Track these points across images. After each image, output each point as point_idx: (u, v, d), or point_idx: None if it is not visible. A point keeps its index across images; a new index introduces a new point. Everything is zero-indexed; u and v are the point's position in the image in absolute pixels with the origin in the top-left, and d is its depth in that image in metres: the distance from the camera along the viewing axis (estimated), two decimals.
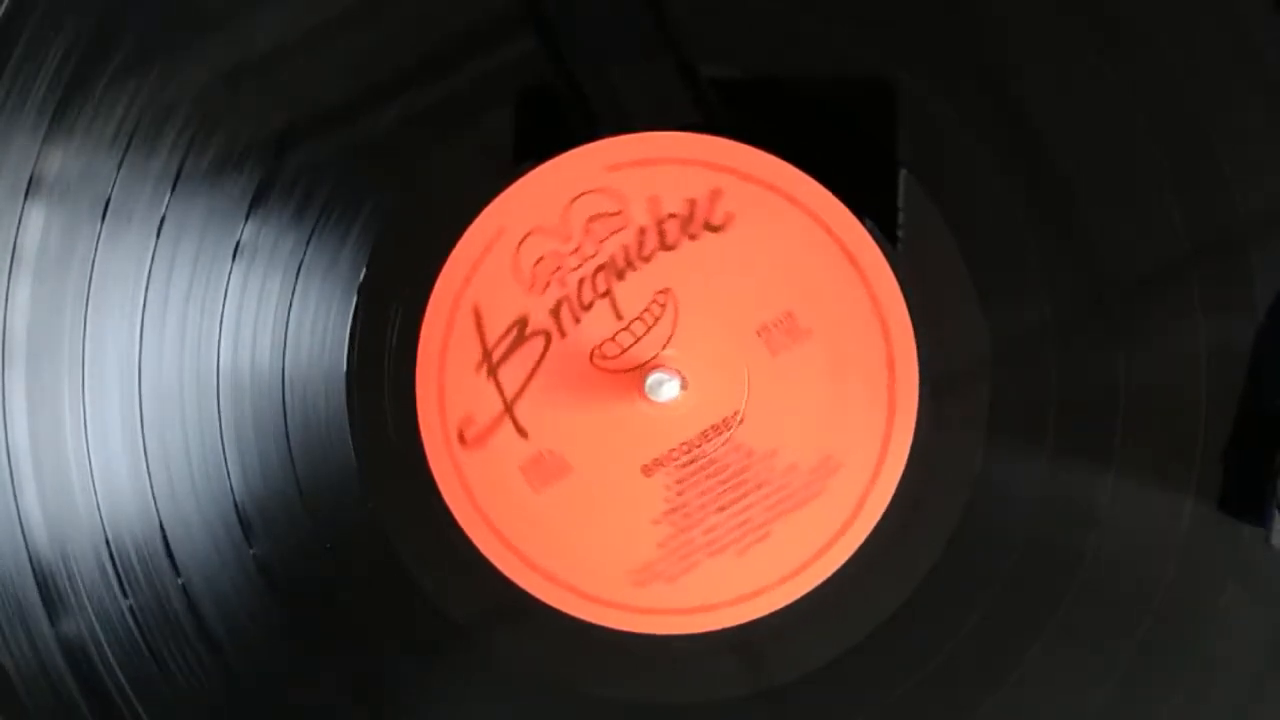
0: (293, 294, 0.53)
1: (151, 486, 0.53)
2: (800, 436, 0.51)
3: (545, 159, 0.52)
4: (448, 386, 0.52)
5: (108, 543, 0.53)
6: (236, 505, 0.53)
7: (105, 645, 0.53)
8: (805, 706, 0.52)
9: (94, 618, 0.53)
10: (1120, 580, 0.50)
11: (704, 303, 0.51)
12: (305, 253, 0.53)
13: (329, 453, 0.53)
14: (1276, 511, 0.48)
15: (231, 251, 0.53)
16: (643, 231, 0.51)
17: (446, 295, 0.52)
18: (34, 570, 0.53)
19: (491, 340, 0.52)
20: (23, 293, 0.52)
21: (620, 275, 0.52)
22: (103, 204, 0.52)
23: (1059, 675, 0.51)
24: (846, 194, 0.51)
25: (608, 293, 0.52)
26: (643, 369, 0.51)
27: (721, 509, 0.52)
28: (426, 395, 0.53)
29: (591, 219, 0.51)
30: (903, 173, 0.51)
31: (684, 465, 0.52)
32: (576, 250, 0.52)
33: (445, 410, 0.53)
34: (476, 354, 0.52)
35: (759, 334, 0.51)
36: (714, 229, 0.51)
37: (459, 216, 0.52)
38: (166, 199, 0.52)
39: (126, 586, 0.53)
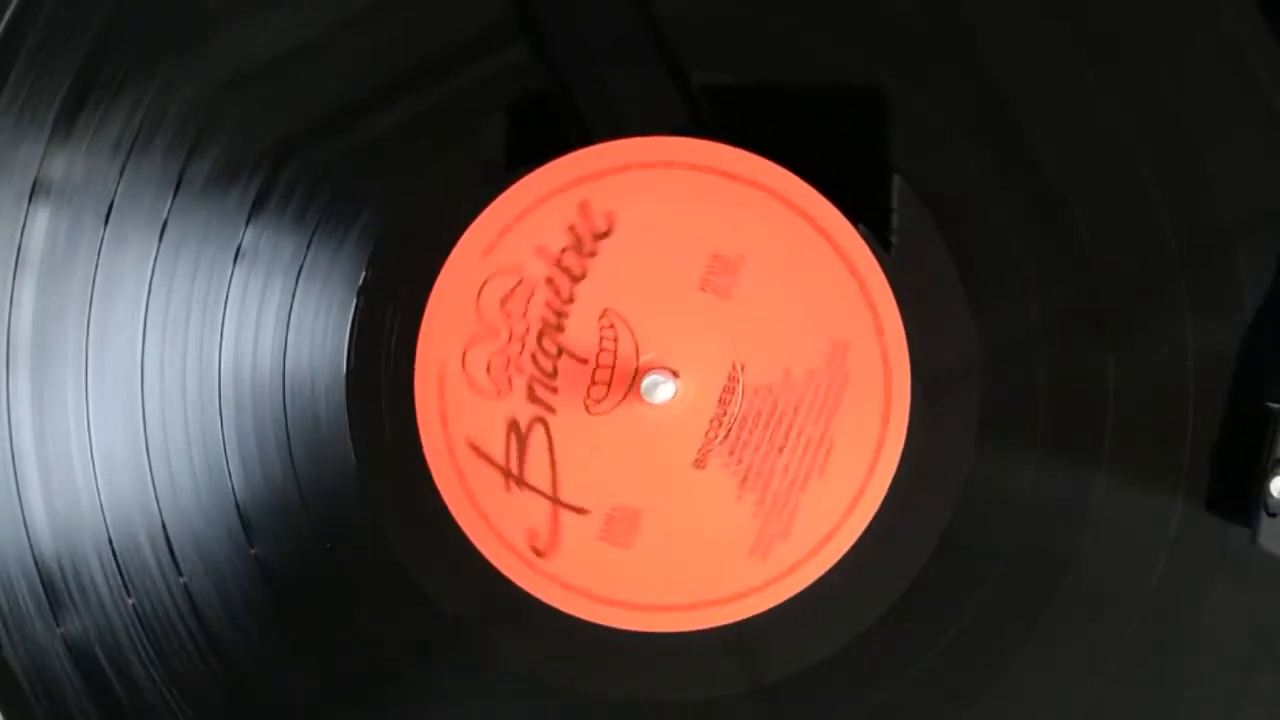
0: (293, 297, 0.53)
1: (154, 487, 0.53)
2: (800, 345, 0.52)
3: (540, 163, 0.52)
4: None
5: (111, 542, 0.53)
6: (238, 505, 0.53)
7: (108, 643, 0.53)
8: (799, 704, 0.53)
9: (97, 616, 0.53)
10: (1110, 579, 0.51)
11: (643, 283, 0.52)
12: (305, 256, 0.53)
13: (329, 454, 0.53)
14: (1263, 511, 0.48)
15: (233, 255, 0.53)
16: (550, 280, 0.52)
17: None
18: (38, 569, 0.53)
19: (501, 459, 0.52)
20: (27, 295, 0.53)
21: (560, 328, 0.52)
22: (106, 208, 0.52)
23: (1050, 673, 0.51)
24: (839, 198, 0.51)
25: (560, 350, 0.52)
26: (635, 384, 0.52)
27: (781, 449, 0.52)
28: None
29: (502, 301, 0.52)
30: (896, 178, 0.51)
31: (725, 438, 0.52)
32: (510, 337, 0.52)
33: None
34: (499, 479, 0.52)
35: (703, 289, 0.52)
36: (604, 235, 0.52)
37: (457, 219, 0.53)
38: (169, 203, 0.53)
39: (129, 586, 0.53)
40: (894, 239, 0.51)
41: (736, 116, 0.52)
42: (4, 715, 0.54)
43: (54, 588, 0.53)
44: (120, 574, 0.53)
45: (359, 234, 0.53)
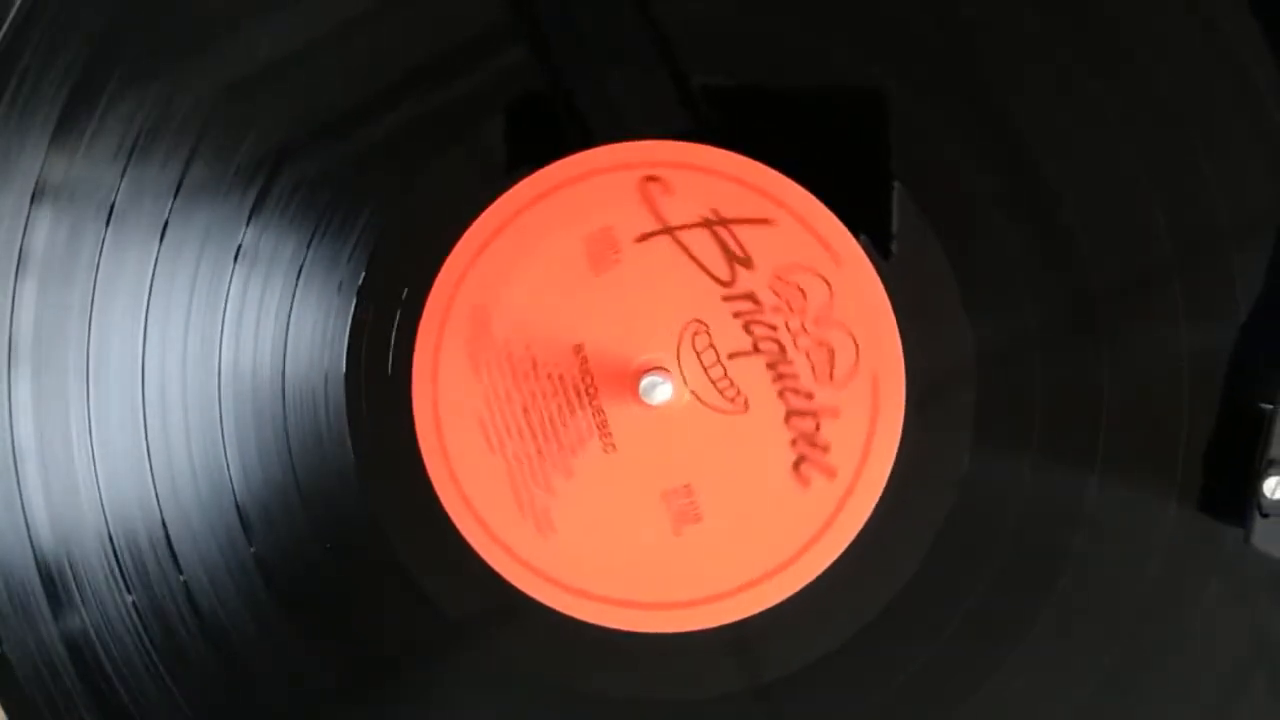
0: (293, 298, 0.53)
1: (154, 485, 0.53)
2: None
3: (539, 166, 0.52)
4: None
5: (111, 540, 0.53)
6: (237, 504, 0.54)
7: (108, 640, 0.54)
8: (795, 702, 0.53)
9: (97, 613, 0.54)
10: (1105, 580, 0.51)
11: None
12: (305, 257, 0.53)
13: (328, 453, 0.54)
14: (1256, 512, 0.48)
15: (233, 256, 0.53)
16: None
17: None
18: (39, 567, 0.53)
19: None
20: (29, 295, 0.53)
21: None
22: (107, 209, 0.53)
23: (1045, 672, 0.51)
24: (838, 204, 0.52)
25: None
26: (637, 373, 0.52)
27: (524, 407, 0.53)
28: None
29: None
30: (895, 185, 0.51)
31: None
32: (778, 313, 0.52)
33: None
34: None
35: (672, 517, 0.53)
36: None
37: (456, 221, 0.53)
38: (169, 205, 0.53)
39: (129, 583, 0.54)
40: (892, 244, 0.51)
41: (737, 120, 0.52)
42: (4, 711, 0.54)
43: (54, 585, 0.53)
44: (120, 571, 0.54)
45: (359, 235, 0.53)
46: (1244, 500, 0.49)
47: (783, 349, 0.52)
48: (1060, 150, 0.50)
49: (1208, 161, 0.50)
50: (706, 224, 0.52)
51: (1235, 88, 0.50)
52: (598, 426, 0.53)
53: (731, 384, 0.52)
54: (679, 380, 0.52)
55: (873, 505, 0.52)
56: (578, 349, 0.53)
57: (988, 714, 0.52)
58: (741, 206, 0.52)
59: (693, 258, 0.52)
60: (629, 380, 0.52)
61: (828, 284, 0.51)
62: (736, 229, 0.52)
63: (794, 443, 0.52)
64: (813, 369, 0.52)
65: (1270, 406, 0.48)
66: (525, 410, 0.53)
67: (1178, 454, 0.50)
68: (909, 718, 0.52)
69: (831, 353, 0.51)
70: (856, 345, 0.51)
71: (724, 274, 0.52)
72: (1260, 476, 0.48)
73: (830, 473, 0.52)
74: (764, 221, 0.52)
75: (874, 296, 0.51)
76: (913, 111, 0.51)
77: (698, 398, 0.52)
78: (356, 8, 0.52)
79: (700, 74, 0.52)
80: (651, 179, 0.52)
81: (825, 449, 0.52)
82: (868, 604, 0.52)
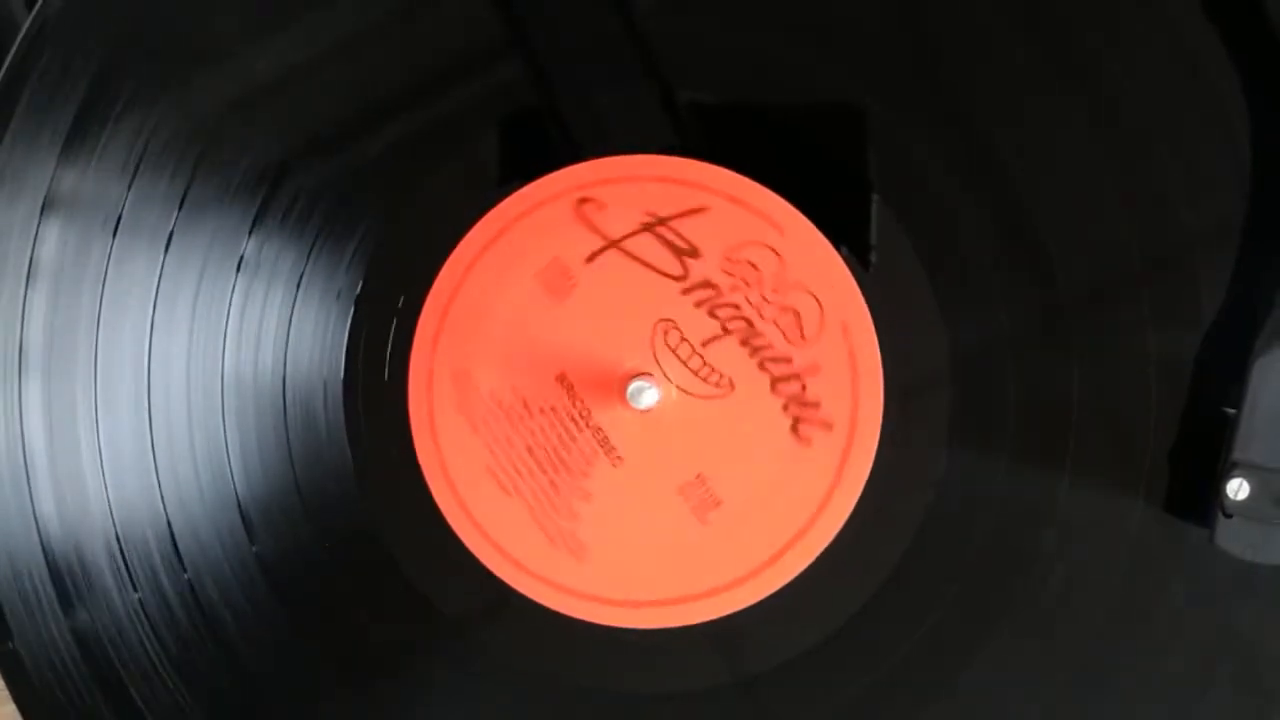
0: (293, 306, 0.54)
1: (159, 487, 0.54)
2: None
3: (530, 179, 0.53)
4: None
5: (118, 540, 0.54)
6: (239, 505, 0.54)
7: (115, 636, 0.54)
8: (780, 696, 0.53)
9: (105, 610, 0.54)
10: (1074, 576, 0.51)
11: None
12: (305, 267, 0.54)
13: (327, 456, 0.54)
14: (1220, 512, 0.48)
15: (235, 266, 0.54)
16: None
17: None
18: (49, 565, 0.54)
19: None
20: (39, 304, 0.54)
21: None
22: (114, 221, 0.53)
23: (1017, 666, 0.52)
24: (818, 213, 0.52)
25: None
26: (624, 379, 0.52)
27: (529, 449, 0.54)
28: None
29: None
30: (874, 196, 0.52)
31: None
32: (736, 290, 0.53)
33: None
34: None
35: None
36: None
37: (451, 231, 0.53)
38: (174, 217, 0.54)
39: (135, 582, 0.54)
40: (871, 253, 0.52)
41: (720, 134, 0.52)
42: (15, 704, 0.55)
43: (64, 583, 0.54)
44: (127, 570, 0.54)
45: (357, 245, 0.54)
46: (1208, 501, 0.49)
47: (750, 323, 0.52)
48: (1032, 162, 0.51)
49: (1174, 173, 0.50)
50: (646, 227, 0.53)
51: (1201, 100, 0.50)
52: (600, 444, 0.53)
53: (712, 370, 0.53)
54: (663, 380, 0.52)
55: (851, 506, 0.52)
56: (561, 378, 0.53)
57: (962, 710, 0.52)
58: (678, 203, 0.53)
59: (642, 261, 0.53)
60: (616, 391, 0.52)
61: (775, 252, 0.52)
62: (676, 224, 0.52)
63: (786, 407, 0.52)
64: (783, 334, 0.52)
65: (1233, 411, 0.48)
66: (529, 450, 0.54)
67: (1145, 456, 0.50)
68: (885, 712, 0.53)
69: (797, 314, 0.52)
70: (818, 300, 0.52)
71: (675, 269, 0.53)
72: (1223, 478, 0.48)
73: (827, 425, 0.52)
74: (698, 210, 0.52)
75: (853, 303, 0.52)
76: (891, 129, 0.51)
77: (685, 391, 0.53)
78: (353, 27, 0.53)
79: (686, 90, 0.52)
80: (585, 200, 0.53)
81: (816, 405, 0.52)
82: (846, 602, 0.53)
